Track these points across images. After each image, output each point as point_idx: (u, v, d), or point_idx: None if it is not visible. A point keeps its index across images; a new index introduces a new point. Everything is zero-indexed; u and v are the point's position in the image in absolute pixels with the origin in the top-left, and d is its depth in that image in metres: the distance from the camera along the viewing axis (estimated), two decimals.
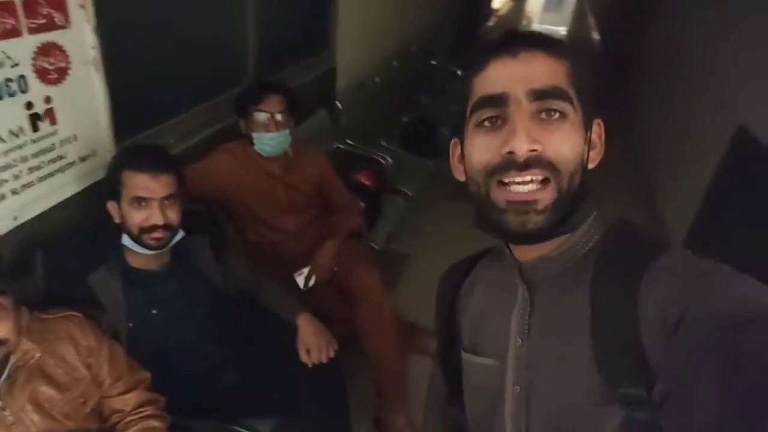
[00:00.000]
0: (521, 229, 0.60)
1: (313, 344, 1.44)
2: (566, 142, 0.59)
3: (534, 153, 0.58)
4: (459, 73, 4.63)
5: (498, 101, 0.60)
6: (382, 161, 2.83)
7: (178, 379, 1.34)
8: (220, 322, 1.43)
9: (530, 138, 0.57)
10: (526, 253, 0.68)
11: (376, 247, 2.32)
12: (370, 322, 1.73)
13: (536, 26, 10.84)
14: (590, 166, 0.65)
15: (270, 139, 1.73)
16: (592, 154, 0.65)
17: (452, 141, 0.70)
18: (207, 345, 1.41)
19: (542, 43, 0.61)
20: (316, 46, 2.84)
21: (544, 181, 0.59)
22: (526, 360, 0.68)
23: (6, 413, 0.96)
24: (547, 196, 0.59)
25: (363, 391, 1.84)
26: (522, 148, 0.57)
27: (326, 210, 2.02)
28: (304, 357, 1.43)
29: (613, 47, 7.67)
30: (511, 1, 12.49)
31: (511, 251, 0.70)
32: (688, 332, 0.51)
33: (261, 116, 1.72)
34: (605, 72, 5.79)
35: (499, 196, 0.60)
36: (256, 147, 1.76)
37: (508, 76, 0.60)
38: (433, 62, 4.78)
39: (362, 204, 2.36)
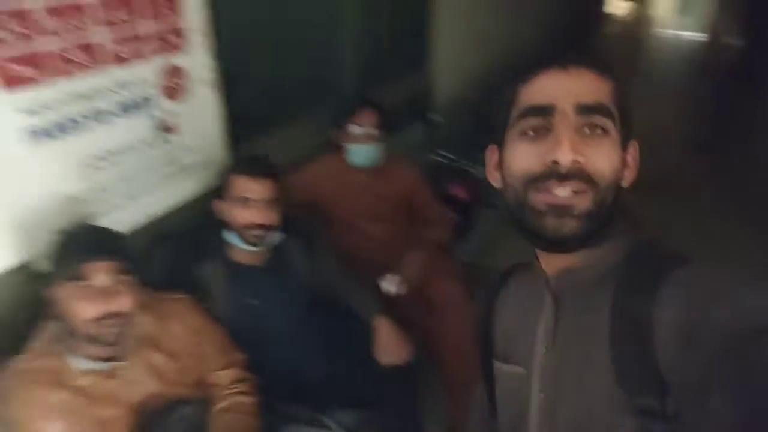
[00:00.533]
0: (557, 233, 0.62)
1: (387, 346, 1.50)
2: (606, 157, 0.61)
3: (576, 165, 0.60)
4: None
5: (545, 111, 0.62)
6: (478, 175, 2.83)
7: (270, 366, 1.47)
8: (309, 318, 1.55)
9: (575, 149, 0.59)
10: (554, 265, 0.70)
11: (465, 259, 2.32)
12: (449, 334, 1.75)
13: (668, 32, 10.05)
14: (624, 184, 0.66)
15: (361, 151, 1.84)
16: (626, 173, 0.66)
17: (489, 147, 0.72)
18: (297, 337, 1.53)
19: (588, 61, 0.64)
20: (414, 61, 2.95)
21: (582, 192, 0.61)
22: (550, 368, 0.70)
23: (125, 371, 1.14)
24: (583, 204, 0.61)
25: (439, 401, 1.86)
26: (567, 158, 0.59)
27: (416, 221, 2.07)
28: (379, 357, 1.51)
29: (757, 54, 6.89)
30: (634, 3, 11.68)
31: (540, 263, 0.73)
32: (700, 344, 0.52)
33: (355, 129, 1.83)
34: (744, 84, 5.23)
35: (538, 199, 0.62)
36: (348, 158, 1.88)
37: (557, 87, 0.62)
38: None
39: (454, 216, 2.40)
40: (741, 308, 0.51)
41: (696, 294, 0.55)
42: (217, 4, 1.56)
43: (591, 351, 0.63)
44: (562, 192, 0.61)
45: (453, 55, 3.10)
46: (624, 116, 0.64)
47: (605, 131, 0.61)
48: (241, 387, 1.31)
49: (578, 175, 0.60)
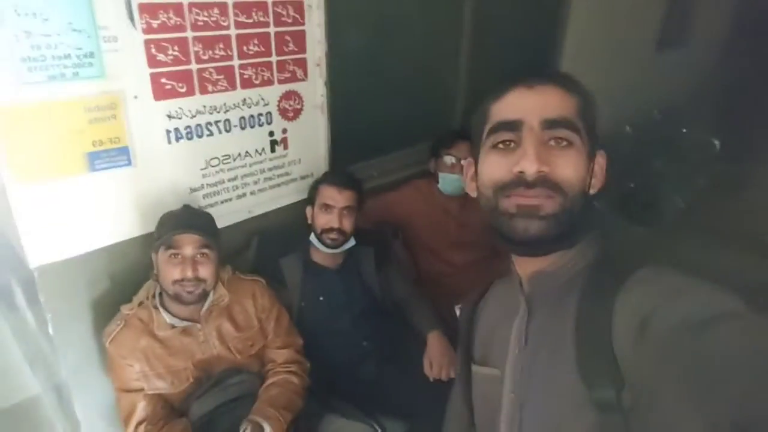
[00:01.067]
0: (526, 233, 0.66)
1: (435, 360, 1.58)
2: (572, 166, 0.65)
3: (541, 174, 0.64)
4: (716, 143, 4.11)
5: (513, 126, 0.67)
6: None
7: (329, 359, 1.63)
8: (369, 322, 1.69)
9: (540, 160, 0.64)
10: (527, 268, 0.75)
11: None
12: None
13: None
14: (591, 191, 0.70)
15: (453, 180, 1.96)
16: (593, 182, 0.70)
17: (467, 161, 0.78)
18: (356, 338, 1.68)
19: (556, 79, 0.68)
20: None
21: (549, 197, 0.65)
22: (521, 368, 0.73)
23: (201, 333, 1.38)
24: (550, 207, 0.65)
25: None
26: (532, 168, 0.64)
27: (497, 252, 2.11)
28: (427, 370, 1.58)
29: None
30: None
31: (515, 268, 0.78)
32: (652, 337, 0.55)
33: (449, 159, 1.97)
34: None
35: (508, 203, 0.67)
36: (440, 185, 2.01)
37: (524, 104, 0.67)
38: (684, 130, 4.35)
39: None
40: (688, 303, 0.54)
41: (653, 291, 0.58)
42: (336, 39, 1.81)
43: (558, 350, 0.67)
44: (531, 193, 0.65)
45: None
46: (590, 129, 0.68)
47: (570, 143, 0.65)
48: (294, 368, 1.48)
49: (544, 183, 0.64)
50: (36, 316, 1.58)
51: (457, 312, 1.95)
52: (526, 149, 0.65)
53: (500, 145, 0.69)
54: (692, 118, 4.49)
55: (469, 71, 2.49)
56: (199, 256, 1.30)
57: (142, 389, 1.30)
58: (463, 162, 1.89)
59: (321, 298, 1.66)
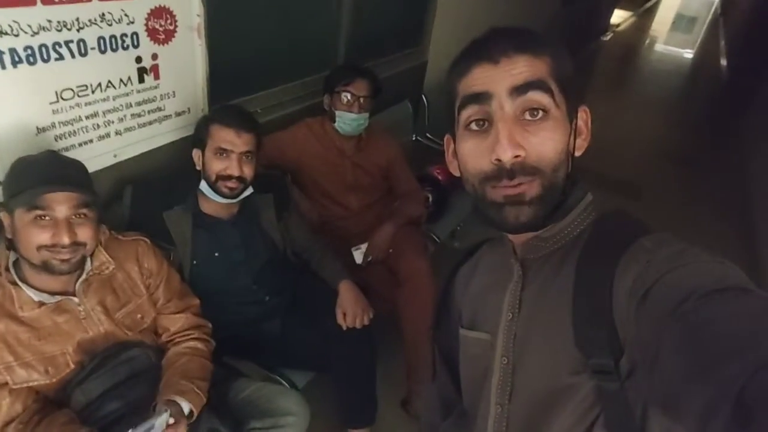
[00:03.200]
0: (516, 221, 0.64)
1: (349, 309, 1.53)
2: (549, 142, 0.62)
3: (518, 159, 0.61)
4: None
5: (481, 99, 0.63)
6: None
7: (229, 319, 1.48)
8: (272, 275, 1.56)
9: (513, 143, 0.61)
10: (519, 236, 0.72)
11: (437, 240, 2.36)
12: (411, 304, 1.78)
13: (660, 47, 10.20)
14: (577, 153, 0.68)
15: (351, 119, 1.84)
16: (578, 141, 0.68)
17: (446, 137, 0.74)
18: (258, 293, 1.54)
19: (522, 45, 0.63)
20: (410, 41, 2.93)
21: (531, 181, 0.63)
22: (515, 333, 0.72)
23: (80, 309, 1.13)
24: (533, 191, 0.63)
25: (396, 375, 1.90)
26: (506, 155, 0.61)
27: (390, 194, 2.09)
28: (340, 319, 1.53)
29: (741, 76, 7.06)
30: (633, 17, 11.80)
31: (507, 235, 0.75)
32: (653, 304, 0.53)
33: (347, 96, 1.83)
34: (726, 103, 5.36)
35: (495, 194, 0.64)
36: (336, 124, 1.87)
37: (490, 78, 0.63)
38: None
39: (430, 197, 2.42)
40: (693, 273, 0.53)
41: (655, 260, 0.57)
42: None
43: (554, 316, 0.66)
44: (514, 183, 0.63)
45: (449, 39, 3.09)
46: (566, 87, 0.65)
47: (545, 112, 0.62)
48: (195, 333, 1.31)
49: (522, 170, 0.62)
50: None
51: (354, 255, 1.93)
52: (499, 134, 0.61)
53: (473, 125, 0.65)
54: None
55: (351, 3, 2.31)
56: (75, 216, 1.03)
57: (6, 384, 1.03)
58: (362, 100, 1.83)
59: (216, 254, 1.47)
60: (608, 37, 9.65)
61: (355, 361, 1.55)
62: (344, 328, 1.52)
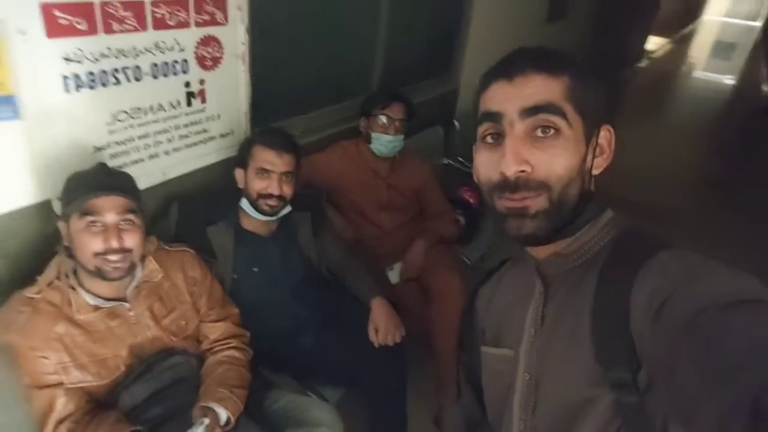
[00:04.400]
0: (517, 233, 0.67)
1: (382, 326, 1.55)
2: (558, 158, 0.64)
3: (523, 174, 0.63)
4: None
5: (494, 117, 0.66)
6: None
7: (266, 332, 1.52)
8: (308, 290, 1.60)
9: (518, 160, 0.63)
10: (542, 251, 0.74)
11: (468, 262, 2.37)
12: (442, 320, 1.80)
13: (698, 73, 10.03)
14: (596, 171, 0.69)
15: (387, 141, 1.91)
16: (598, 160, 0.69)
17: (474, 146, 0.76)
18: (294, 307, 1.59)
19: (540, 64, 0.65)
20: (442, 67, 3.01)
21: (537, 193, 0.64)
22: (537, 349, 0.73)
23: (131, 314, 1.20)
24: (538, 204, 0.64)
25: (427, 392, 1.90)
26: (510, 170, 0.63)
27: (422, 215, 2.13)
28: (372, 336, 1.55)
29: None
30: (670, 44, 11.68)
31: (529, 250, 0.76)
32: (670, 317, 0.54)
33: (384, 119, 1.90)
34: None
35: (500, 205, 0.67)
36: (372, 146, 1.94)
37: (504, 96, 0.66)
38: None
39: (462, 219, 2.44)
40: (708, 286, 0.53)
41: (672, 273, 0.57)
42: None
43: (575, 330, 0.67)
44: (517, 197, 0.65)
45: (480, 66, 3.15)
46: (584, 107, 0.65)
47: (557, 130, 0.63)
48: (235, 342, 1.36)
49: (526, 185, 0.64)
50: None
51: (389, 275, 1.96)
52: (506, 149, 0.64)
53: (488, 138, 0.68)
54: None
55: (388, 30, 2.41)
56: (123, 222, 1.11)
57: (61, 383, 1.09)
58: (398, 123, 1.89)
59: (255, 269, 1.53)
60: (644, 63, 9.57)
61: (387, 378, 1.56)
62: (376, 344, 1.54)
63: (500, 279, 0.87)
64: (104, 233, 1.08)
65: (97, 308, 1.14)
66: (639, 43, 9.28)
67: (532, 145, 0.64)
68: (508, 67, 0.66)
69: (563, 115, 0.63)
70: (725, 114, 7.68)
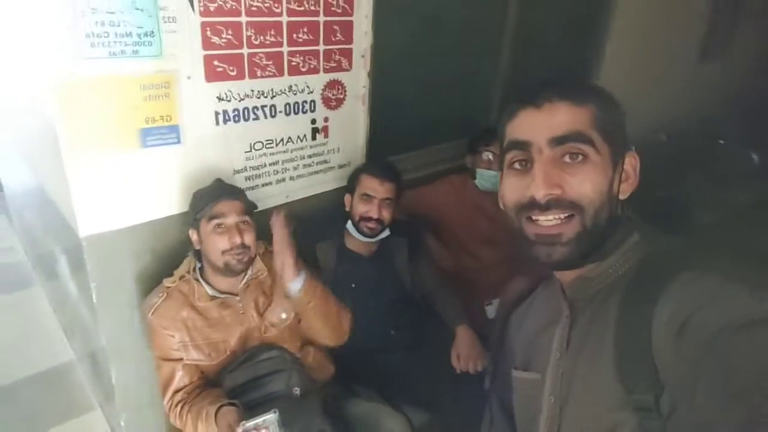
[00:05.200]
0: (548, 260, 0.69)
1: (464, 352, 1.60)
2: (588, 182, 0.65)
3: (553, 196, 0.65)
4: (755, 157, 4.02)
5: (523, 146, 0.68)
6: None
7: (357, 346, 1.65)
8: (399, 311, 1.72)
9: (549, 184, 0.65)
10: (567, 275, 0.75)
11: None
12: None
13: None
14: (622, 197, 0.70)
15: (490, 176, 1.98)
16: (624, 186, 0.70)
17: (500, 173, 0.79)
18: (385, 326, 1.71)
19: (565, 93, 0.67)
20: None
21: (569, 217, 0.66)
22: (562, 373, 0.74)
23: (240, 305, 1.42)
24: (570, 230, 0.66)
25: None
26: (539, 193, 0.65)
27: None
28: (454, 362, 1.60)
29: None
30: None
31: (556, 274, 0.78)
32: (689, 340, 0.55)
33: (488, 155, 1.99)
34: None
35: (529, 230, 0.69)
36: (477, 181, 2.02)
37: (532, 125, 0.68)
38: (720, 141, 4.27)
39: None
40: (726, 307, 0.54)
41: (691, 294, 0.58)
42: (381, 31, 1.83)
43: (599, 354, 0.67)
44: (548, 222, 0.66)
45: None
46: (610, 135, 0.67)
47: (585, 156, 0.65)
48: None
49: (558, 204, 0.65)
50: (80, 285, 1.65)
51: (487, 310, 1.98)
52: (535, 174, 0.66)
53: (516, 165, 0.70)
54: (731, 130, 4.39)
55: (508, 71, 2.49)
56: (242, 224, 1.35)
57: (181, 359, 1.34)
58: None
59: (353, 285, 1.69)
60: None
61: (466, 405, 1.58)
62: (458, 370, 1.58)
63: (531, 303, 0.89)
64: (228, 232, 1.33)
65: (213, 298, 1.38)
66: None
67: (562, 170, 0.66)
68: (534, 96, 0.68)
69: (591, 143, 0.66)
70: None
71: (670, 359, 0.57)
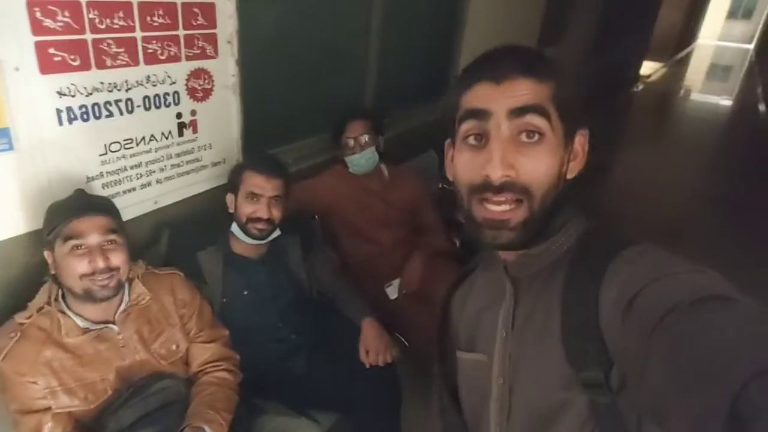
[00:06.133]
0: (494, 242, 0.67)
1: (372, 346, 1.56)
2: (541, 165, 0.64)
3: (508, 178, 0.63)
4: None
5: (481, 115, 0.65)
6: None
7: (256, 357, 1.52)
8: (298, 313, 1.62)
9: (505, 164, 0.63)
10: (510, 254, 0.74)
11: None
12: None
13: (696, 95, 10.14)
14: (569, 176, 0.69)
15: (358, 158, 1.97)
16: (572, 164, 0.69)
17: (447, 142, 0.76)
18: (285, 331, 1.60)
19: (527, 68, 0.65)
20: (435, 91, 3.07)
21: (518, 202, 0.64)
22: (509, 352, 0.73)
23: (119, 337, 1.21)
24: (518, 216, 0.65)
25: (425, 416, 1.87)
26: (496, 174, 0.63)
27: (416, 230, 2.15)
28: (363, 357, 1.55)
29: None
30: (664, 68, 11.84)
31: (498, 253, 0.76)
32: (638, 315, 0.54)
33: (348, 141, 1.97)
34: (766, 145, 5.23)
35: (478, 213, 0.66)
36: (350, 169, 1.99)
37: (491, 97, 0.65)
38: None
39: (457, 241, 2.46)
40: (676, 283, 0.53)
41: (637, 270, 0.58)
42: (246, 16, 1.69)
43: (545, 332, 0.66)
44: (497, 207, 0.65)
45: None
46: (566, 112, 0.66)
47: (541, 135, 0.64)
48: (225, 364, 1.37)
49: (511, 187, 0.63)
50: None
51: (387, 291, 1.97)
52: (492, 152, 0.63)
53: (471, 139, 0.67)
54: None
55: (378, 54, 2.48)
56: (107, 243, 1.14)
57: (49, 408, 1.10)
58: (362, 139, 1.94)
59: (245, 293, 1.55)
60: (639, 88, 9.69)
61: (379, 401, 1.55)
62: (367, 365, 1.54)
63: (473, 283, 0.87)
64: (89, 255, 1.11)
65: (86, 331, 1.16)
66: (634, 66, 9.42)
67: (517, 150, 0.63)
68: (494, 70, 0.66)
69: (548, 118, 0.64)
70: (727, 134, 7.75)
71: (619, 335, 0.56)
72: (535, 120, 0.63)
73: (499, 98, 0.64)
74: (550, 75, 0.66)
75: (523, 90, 0.64)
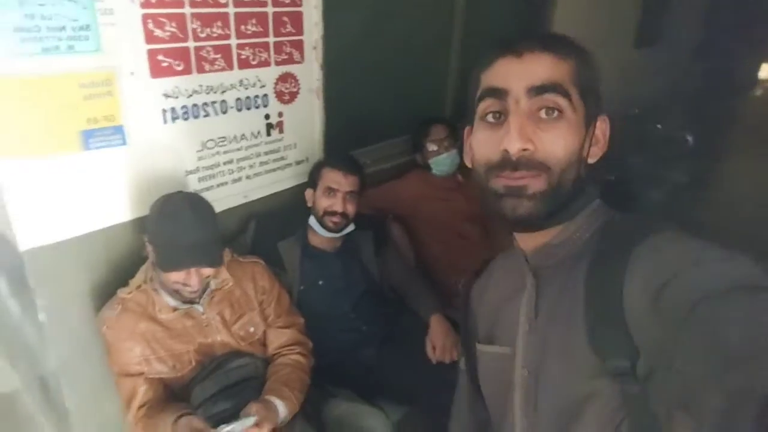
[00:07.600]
0: (514, 213, 0.64)
1: (439, 343, 1.57)
2: (560, 140, 0.63)
3: (526, 152, 0.62)
4: (689, 139, 4.24)
5: (499, 93, 0.65)
6: None
7: (328, 344, 1.60)
8: (369, 305, 1.68)
9: (523, 137, 0.62)
10: (531, 242, 0.73)
11: None
12: None
13: None
14: (591, 160, 0.68)
15: (444, 158, 2.03)
16: (594, 149, 0.68)
17: (466, 128, 0.75)
18: (356, 321, 1.67)
19: (548, 44, 0.64)
20: None
21: (537, 175, 0.63)
22: (533, 344, 0.71)
23: (204, 317, 1.34)
24: (537, 186, 0.63)
25: None
26: (514, 147, 0.62)
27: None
28: (429, 353, 1.58)
29: None
30: None
31: (518, 243, 0.75)
32: (668, 304, 0.53)
33: (431, 146, 2.04)
34: None
35: (497, 183, 0.65)
36: (433, 170, 2.04)
37: (511, 72, 0.64)
38: (658, 126, 4.48)
39: None
40: (707, 272, 0.52)
41: (665, 258, 0.56)
42: (330, 23, 1.79)
43: (569, 323, 0.65)
44: (517, 176, 0.63)
45: None
46: (586, 92, 0.64)
47: (560, 113, 0.63)
48: (299, 348, 1.46)
49: (528, 164, 0.62)
50: (23, 305, 1.51)
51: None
52: (510, 125, 0.63)
53: (489, 117, 0.67)
54: (667, 115, 4.61)
55: (459, 60, 2.51)
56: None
57: (142, 373, 1.25)
58: (445, 142, 1.99)
59: (320, 282, 1.64)
60: (758, 92, 8.83)
61: (446, 396, 1.55)
62: (434, 361, 1.56)
63: (491, 274, 0.85)
64: (186, 274, 1.22)
65: (175, 309, 1.30)
66: (749, 70, 8.60)
67: (536, 125, 0.63)
68: (515, 44, 0.65)
69: (569, 98, 0.63)
70: None
71: (646, 324, 0.55)
72: (554, 98, 0.63)
73: (519, 75, 0.64)
74: (572, 53, 0.65)
75: (544, 66, 0.63)
